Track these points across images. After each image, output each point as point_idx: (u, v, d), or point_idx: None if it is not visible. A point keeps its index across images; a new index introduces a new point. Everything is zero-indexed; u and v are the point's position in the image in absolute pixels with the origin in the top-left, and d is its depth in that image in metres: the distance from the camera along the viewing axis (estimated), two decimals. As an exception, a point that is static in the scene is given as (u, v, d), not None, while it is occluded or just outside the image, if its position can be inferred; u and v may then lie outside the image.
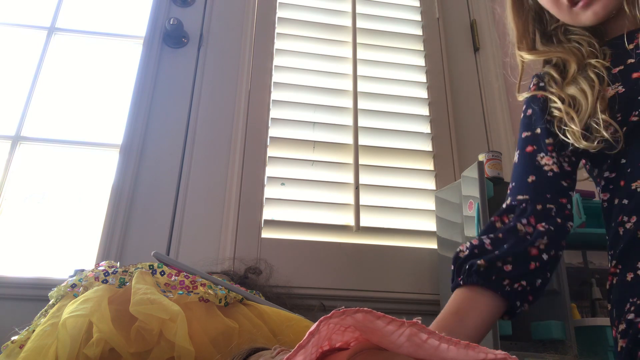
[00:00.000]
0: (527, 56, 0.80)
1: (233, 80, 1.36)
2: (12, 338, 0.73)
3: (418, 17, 1.55)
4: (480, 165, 1.07)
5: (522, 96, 0.79)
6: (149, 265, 0.81)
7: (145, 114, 1.27)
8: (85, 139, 1.27)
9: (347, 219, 1.22)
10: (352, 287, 1.17)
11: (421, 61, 1.47)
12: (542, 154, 0.71)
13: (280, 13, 1.46)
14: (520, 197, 0.69)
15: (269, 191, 1.24)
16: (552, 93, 0.72)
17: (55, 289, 0.78)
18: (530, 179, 0.70)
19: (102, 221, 1.15)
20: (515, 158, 0.75)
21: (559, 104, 0.70)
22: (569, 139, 0.68)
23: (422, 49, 1.49)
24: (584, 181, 1.11)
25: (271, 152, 1.29)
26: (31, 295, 1.02)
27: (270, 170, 1.26)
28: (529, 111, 0.77)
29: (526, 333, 1.01)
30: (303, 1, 1.49)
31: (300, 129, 1.31)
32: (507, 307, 0.64)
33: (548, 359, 0.92)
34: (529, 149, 0.73)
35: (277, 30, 1.44)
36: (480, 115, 1.48)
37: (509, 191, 0.72)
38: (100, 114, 1.31)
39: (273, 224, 1.21)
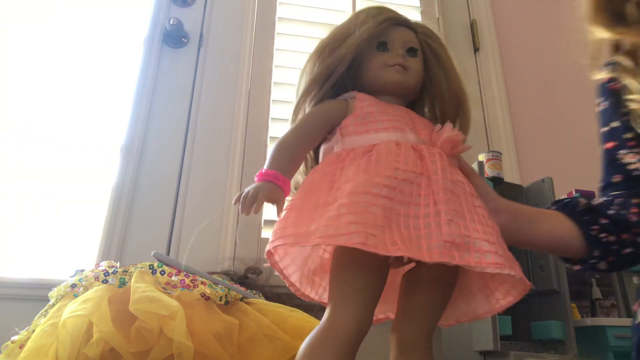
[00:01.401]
0: (603, 34, 0.72)
1: (233, 80, 1.36)
2: (12, 338, 0.73)
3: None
4: (480, 165, 1.07)
5: (599, 75, 0.75)
6: (149, 265, 0.81)
7: (145, 114, 1.27)
8: (86, 139, 1.27)
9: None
10: (352, 287, 1.17)
11: (421, 61, 1.47)
12: (624, 151, 0.67)
13: (280, 12, 1.46)
14: (613, 193, 0.66)
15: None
16: (626, 84, 0.68)
17: (55, 289, 0.78)
18: (615, 179, 0.67)
19: (102, 221, 1.15)
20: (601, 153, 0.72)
21: (635, 96, 0.66)
22: None
23: (422, 48, 1.49)
24: (584, 181, 1.11)
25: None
26: (31, 295, 1.02)
27: (270, 170, 1.26)
28: (603, 104, 0.73)
29: (526, 333, 1.01)
30: (303, 1, 1.49)
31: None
32: (584, 253, 0.63)
33: (548, 359, 0.92)
34: (609, 145, 0.69)
35: (277, 30, 1.44)
36: (480, 115, 1.48)
37: (600, 191, 0.70)
38: (100, 114, 1.31)
39: (273, 224, 1.21)
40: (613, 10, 0.71)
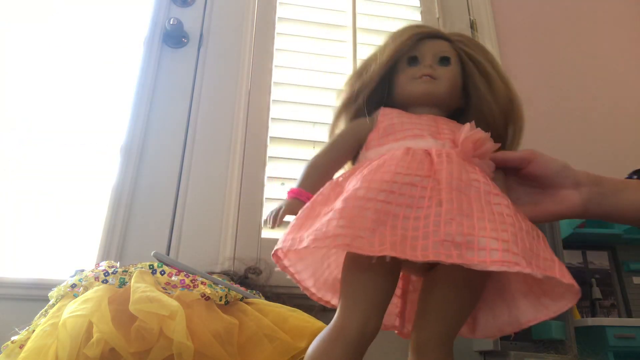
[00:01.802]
0: None
1: (233, 80, 1.36)
2: (12, 338, 0.73)
3: (418, 17, 1.55)
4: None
5: None
6: (149, 265, 0.81)
7: (145, 114, 1.27)
8: (85, 139, 1.27)
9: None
10: (352, 287, 1.16)
11: (421, 61, 1.47)
12: None
13: (280, 12, 1.46)
14: None
15: (269, 191, 1.24)
16: None
17: (56, 289, 0.78)
18: None
19: (102, 221, 1.15)
20: None
21: None
22: None
23: (422, 48, 1.49)
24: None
25: (271, 151, 1.29)
26: (31, 295, 1.02)
27: (270, 170, 1.26)
28: None
29: (526, 333, 1.01)
30: (303, 1, 1.49)
31: (301, 129, 1.31)
32: None
33: (548, 359, 0.92)
34: None
35: (277, 30, 1.44)
36: (480, 115, 1.48)
37: None
38: (100, 114, 1.30)
39: (273, 224, 1.21)
40: None
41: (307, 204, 0.59)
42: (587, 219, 0.62)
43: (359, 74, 0.70)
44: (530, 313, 0.57)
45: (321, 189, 0.60)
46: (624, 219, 0.61)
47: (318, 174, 0.65)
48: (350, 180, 0.57)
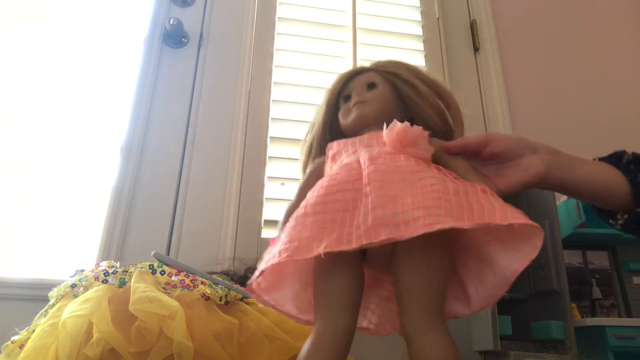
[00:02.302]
0: None
1: (233, 80, 1.36)
2: (12, 338, 0.73)
3: (418, 17, 1.55)
4: (480, 165, 1.06)
5: None
6: (149, 265, 0.81)
7: (145, 114, 1.27)
8: (85, 139, 1.27)
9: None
10: (352, 287, 1.17)
11: (421, 61, 1.47)
12: None
13: (280, 12, 1.46)
14: None
15: (269, 191, 1.24)
16: None
17: (56, 289, 0.78)
18: None
19: (102, 221, 1.15)
20: None
21: None
22: None
23: (422, 48, 1.49)
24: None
25: (271, 151, 1.29)
26: (31, 295, 1.02)
27: (270, 170, 1.26)
28: None
29: (526, 333, 1.01)
30: (303, 1, 1.49)
31: (300, 129, 1.31)
32: (628, 204, 0.61)
33: (548, 359, 0.92)
34: None
35: (277, 30, 1.44)
36: (480, 115, 1.48)
37: None
38: (100, 114, 1.31)
39: (273, 223, 1.21)
40: None
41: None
42: (547, 188, 0.63)
43: (310, 129, 0.77)
44: (512, 263, 0.56)
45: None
46: (579, 191, 0.63)
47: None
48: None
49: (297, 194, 0.71)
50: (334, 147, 0.69)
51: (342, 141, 0.69)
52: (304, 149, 0.78)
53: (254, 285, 0.56)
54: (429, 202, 0.51)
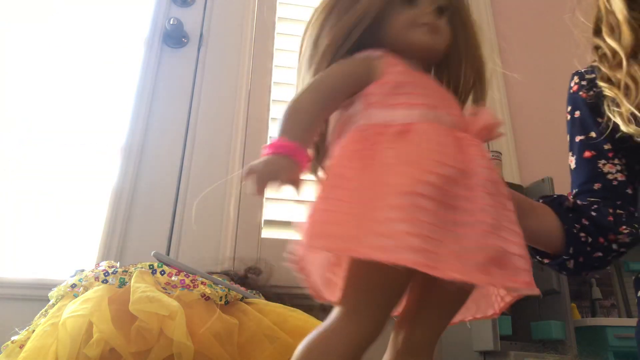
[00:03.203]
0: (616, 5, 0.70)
1: (233, 80, 1.36)
2: (12, 338, 0.73)
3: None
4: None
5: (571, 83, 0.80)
6: (149, 265, 0.81)
7: (145, 114, 1.27)
8: (85, 139, 1.27)
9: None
10: (352, 287, 1.17)
11: (421, 61, 1.47)
12: (603, 161, 0.71)
13: (280, 12, 1.46)
14: (591, 199, 0.70)
15: (269, 191, 1.24)
16: (608, 92, 0.69)
17: (56, 289, 0.78)
18: (596, 187, 0.70)
19: (102, 221, 1.15)
20: (572, 162, 0.76)
21: (624, 108, 0.67)
22: (617, 121, 0.66)
23: (422, 48, 1.49)
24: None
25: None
26: (31, 295, 1.02)
27: (270, 170, 1.26)
28: (577, 113, 0.77)
29: (526, 333, 1.01)
30: (303, 1, 1.49)
31: (300, 129, 1.31)
32: (559, 249, 0.66)
33: (548, 359, 0.92)
34: (588, 154, 0.72)
35: (277, 30, 1.44)
36: (480, 115, 1.48)
37: (575, 195, 0.72)
38: (100, 114, 1.30)
39: (273, 223, 1.21)
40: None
41: (327, 179, 0.49)
42: None
43: (338, 12, 0.57)
44: (486, 306, 0.58)
45: (334, 158, 0.51)
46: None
47: (305, 123, 0.52)
48: (378, 156, 0.48)
49: (314, 88, 0.54)
50: (397, 69, 0.54)
51: (406, 69, 0.55)
52: (327, 40, 0.57)
53: (319, 241, 0.45)
54: (523, 249, 0.46)
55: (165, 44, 1.38)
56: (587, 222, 0.67)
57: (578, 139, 0.75)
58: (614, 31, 0.71)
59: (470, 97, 0.63)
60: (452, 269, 0.41)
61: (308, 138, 0.52)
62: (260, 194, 0.49)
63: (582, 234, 0.66)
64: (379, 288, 0.47)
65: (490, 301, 0.59)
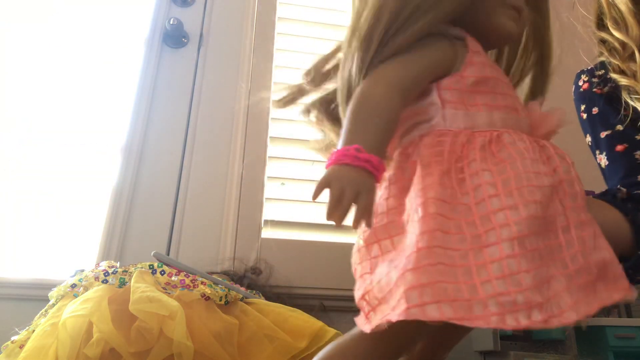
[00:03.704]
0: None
1: (233, 80, 1.36)
2: (12, 338, 0.73)
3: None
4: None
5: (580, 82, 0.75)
6: (149, 265, 0.81)
7: (145, 114, 1.27)
8: (86, 139, 1.27)
9: (348, 218, 1.21)
10: (352, 287, 1.16)
11: (421, 61, 1.47)
12: (639, 152, 0.68)
13: (280, 12, 1.46)
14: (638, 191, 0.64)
15: (269, 191, 1.24)
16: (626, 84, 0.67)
17: (56, 289, 0.78)
18: None
19: (102, 221, 1.15)
20: (602, 160, 0.71)
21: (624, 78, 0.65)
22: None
23: (422, 48, 1.49)
24: (584, 181, 1.10)
25: (271, 151, 1.29)
26: (31, 295, 1.02)
27: (270, 170, 1.26)
28: (595, 109, 0.73)
29: (526, 333, 1.01)
30: (303, 0, 1.49)
31: (301, 129, 1.31)
32: (629, 245, 0.59)
33: (548, 359, 0.92)
34: (620, 147, 0.69)
35: (277, 30, 1.44)
36: (480, 115, 1.48)
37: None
38: (100, 114, 1.30)
39: (273, 223, 1.21)
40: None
41: (429, 210, 0.39)
42: None
43: None
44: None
45: (430, 182, 0.40)
46: None
47: (387, 125, 0.42)
48: (470, 170, 0.40)
49: (393, 78, 0.43)
50: (481, 60, 0.46)
51: (488, 60, 0.48)
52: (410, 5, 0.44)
53: (431, 309, 0.35)
54: (613, 254, 0.43)
55: (165, 44, 1.38)
56: None
57: (604, 134, 0.71)
58: (620, 24, 0.70)
59: (529, 89, 0.59)
60: (565, 313, 0.38)
61: (385, 146, 0.43)
62: (335, 220, 0.40)
63: None
64: (414, 327, 0.42)
65: None
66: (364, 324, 0.43)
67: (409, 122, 0.46)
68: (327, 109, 0.55)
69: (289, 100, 0.56)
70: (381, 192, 0.45)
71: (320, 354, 0.46)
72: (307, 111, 0.57)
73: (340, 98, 0.49)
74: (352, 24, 0.48)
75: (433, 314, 0.34)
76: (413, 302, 0.35)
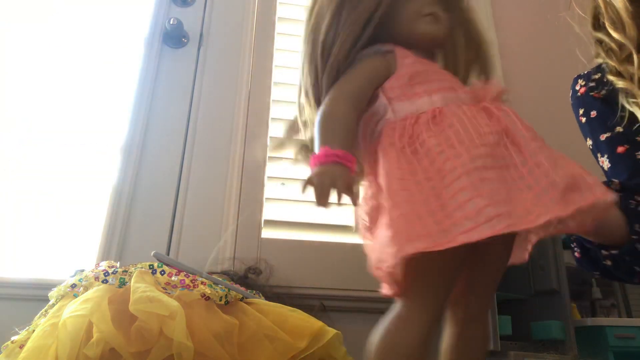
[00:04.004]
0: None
1: (233, 80, 1.36)
2: (12, 338, 0.73)
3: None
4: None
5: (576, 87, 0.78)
6: (149, 265, 0.81)
7: (145, 114, 1.27)
8: (86, 139, 1.27)
9: (348, 218, 1.22)
10: (352, 287, 1.17)
11: (421, 61, 1.47)
12: None
13: (280, 12, 1.46)
14: None
15: (269, 191, 1.24)
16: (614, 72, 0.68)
17: (56, 289, 0.78)
18: None
19: (102, 221, 1.15)
20: (605, 162, 0.72)
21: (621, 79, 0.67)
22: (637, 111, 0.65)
23: (422, 48, 1.49)
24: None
25: (271, 152, 1.28)
26: (31, 295, 1.02)
27: (270, 170, 1.26)
28: (593, 113, 0.74)
29: (526, 333, 1.01)
30: (303, 1, 1.49)
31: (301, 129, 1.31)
32: (624, 233, 0.61)
33: (548, 359, 0.92)
34: (622, 149, 0.70)
35: (277, 30, 1.44)
36: (480, 115, 1.48)
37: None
38: (100, 114, 1.30)
39: (273, 223, 1.21)
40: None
41: (391, 178, 0.50)
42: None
43: (348, 10, 0.58)
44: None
45: (389, 159, 0.52)
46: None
47: (344, 128, 0.54)
48: (425, 145, 0.50)
49: (344, 92, 0.56)
50: (410, 60, 0.57)
51: (417, 58, 0.58)
52: (346, 26, 0.58)
53: (417, 243, 0.45)
54: (585, 170, 0.50)
55: (165, 44, 1.38)
56: None
57: (604, 137, 0.72)
58: (616, 24, 0.70)
59: (476, 74, 0.66)
60: (535, 218, 0.44)
61: (349, 143, 0.54)
62: (323, 205, 0.50)
63: None
64: (437, 274, 0.50)
65: (522, 247, 0.61)
66: (388, 290, 0.52)
67: (371, 123, 0.57)
68: None
69: (283, 143, 0.66)
70: (369, 185, 0.55)
71: (375, 348, 0.51)
72: (302, 151, 0.67)
73: (300, 118, 0.63)
74: (301, 63, 0.64)
75: (409, 250, 0.44)
76: (392, 250, 0.45)
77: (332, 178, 0.50)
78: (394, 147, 0.51)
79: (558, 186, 0.46)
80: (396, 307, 0.51)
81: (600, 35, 0.74)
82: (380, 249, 0.49)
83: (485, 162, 0.47)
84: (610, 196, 0.48)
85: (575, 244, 0.71)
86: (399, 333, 0.49)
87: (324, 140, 0.53)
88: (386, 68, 0.57)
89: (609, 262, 0.65)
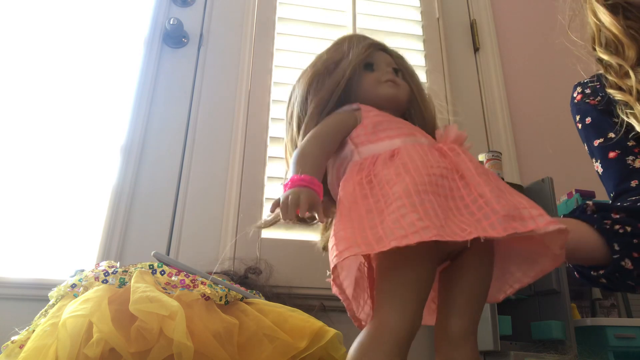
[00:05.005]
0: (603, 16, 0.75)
1: (233, 80, 1.36)
2: (12, 338, 0.73)
3: (418, 17, 1.55)
4: (481, 165, 1.06)
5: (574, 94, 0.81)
6: (149, 265, 0.81)
7: (145, 114, 1.27)
8: (86, 139, 1.27)
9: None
10: (352, 287, 1.17)
11: (421, 61, 1.47)
12: (631, 157, 0.71)
13: (280, 12, 1.46)
14: (632, 198, 0.68)
15: (269, 191, 1.24)
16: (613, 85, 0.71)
17: (56, 289, 0.78)
18: (633, 184, 0.69)
19: (102, 221, 1.15)
20: (599, 167, 0.75)
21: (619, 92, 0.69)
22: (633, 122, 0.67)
23: (422, 48, 1.49)
24: (584, 181, 1.11)
25: (271, 151, 1.29)
26: (31, 295, 1.02)
27: (270, 170, 1.26)
28: (588, 119, 0.77)
29: (526, 333, 1.01)
30: (303, 0, 1.49)
31: (300, 129, 1.31)
32: (604, 253, 0.64)
33: (548, 359, 0.92)
34: (613, 154, 0.72)
35: (277, 30, 1.44)
36: (480, 115, 1.48)
37: (614, 199, 0.72)
38: (100, 114, 1.30)
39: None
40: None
41: (339, 205, 0.59)
42: None
43: (327, 72, 0.72)
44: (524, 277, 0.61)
45: (342, 189, 0.60)
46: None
47: (315, 164, 0.63)
48: (379, 176, 0.57)
49: (314, 137, 0.66)
50: (372, 113, 0.67)
51: (379, 112, 0.67)
52: (315, 102, 0.70)
53: (348, 251, 0.51)
54: (534, 203, 0.53)
55: (165, 43, 1.38)
56: (618, 215, 0.65)
57: (596, 142, 0.75)
58: (611, 45, 0.73)
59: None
60: (467, 234, 0.48)
61: (317, 173, 0.63)
62: (290, 220, 0.58)
63: (618, 226, 0.65)
64: (408, 280, 0.53)
65: (500, 288, 0.63)
66: (338, 294, 0.58)
67: (341, 169, 0.66)
68: None
69: (271, 223, 0.75)
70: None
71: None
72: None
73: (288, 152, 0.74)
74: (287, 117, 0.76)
75: (345, 255, 0.50)
76: (334, 253, 0.52)
77: (296, 197, 0.57)
78: (353, 180, 0.60)
79: (498, 213, 0.51)
80: (374, 319, 0.54)
81: (599, 54, 0.77)
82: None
83: (427, 188, 0.53)
84: (555, 227, 0.50)
85: (571, 267, 0.72)
86: (376, 340, 0.51)
87: (294, 171, 0.61)
88: (353, 120, 0.67)
89: (603, 280, 0.68)
